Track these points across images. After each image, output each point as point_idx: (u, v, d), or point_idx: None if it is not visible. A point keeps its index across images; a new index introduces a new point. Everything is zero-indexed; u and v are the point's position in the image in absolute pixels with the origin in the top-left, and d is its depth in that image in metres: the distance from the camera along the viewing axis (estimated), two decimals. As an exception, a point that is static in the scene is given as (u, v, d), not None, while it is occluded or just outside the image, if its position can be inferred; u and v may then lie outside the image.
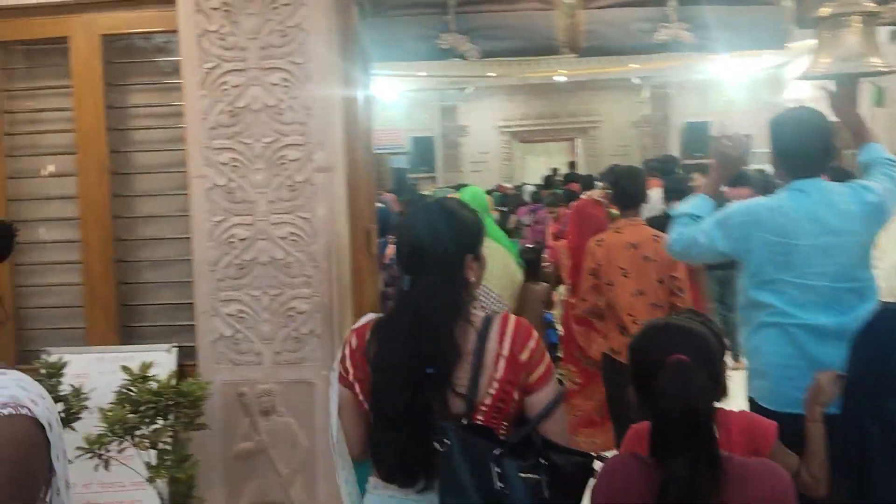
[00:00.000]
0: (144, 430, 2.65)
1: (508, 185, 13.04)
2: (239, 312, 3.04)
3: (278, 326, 3.03)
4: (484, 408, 1.74)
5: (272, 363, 3.04)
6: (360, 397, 1.86)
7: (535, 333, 1.82)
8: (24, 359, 3.23)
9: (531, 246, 6.04)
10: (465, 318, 1.78)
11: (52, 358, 3.00)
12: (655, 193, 6.03)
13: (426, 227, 1.83)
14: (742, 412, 2.15)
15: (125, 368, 2.68)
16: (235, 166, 3.01)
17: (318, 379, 3.00)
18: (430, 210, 1.89)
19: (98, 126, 3.27)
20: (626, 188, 3.95)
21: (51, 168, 3.40)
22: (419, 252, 1.82)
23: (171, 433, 2.68)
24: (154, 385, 2.61)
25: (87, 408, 2.82)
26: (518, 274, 4.16)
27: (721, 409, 1.83)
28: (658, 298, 3.69)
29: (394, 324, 1.81)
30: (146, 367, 2.69)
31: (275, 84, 2.99)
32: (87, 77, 3.26)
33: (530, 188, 12.04)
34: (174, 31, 3.08)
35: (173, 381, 2.73)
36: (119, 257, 3.32)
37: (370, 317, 1.92)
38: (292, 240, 3.02)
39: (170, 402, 2.58)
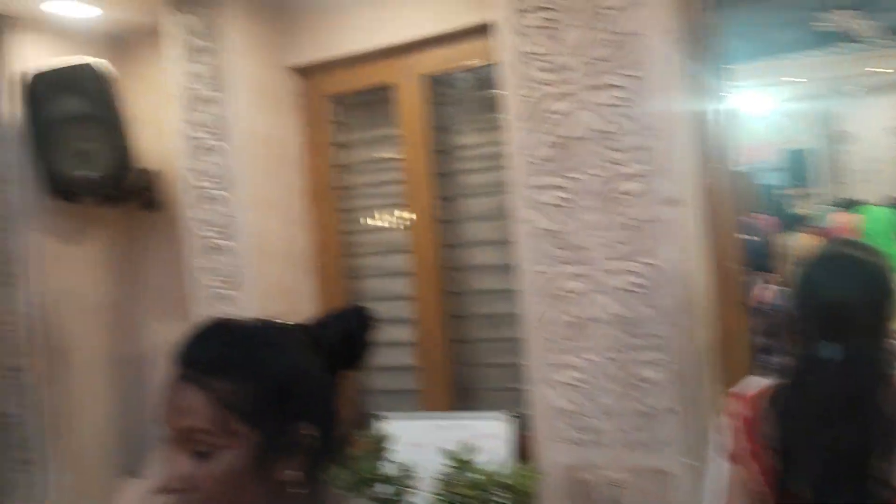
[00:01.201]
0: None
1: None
2: (574, 380, 2.54)
3: (623, 399, 2.47)
4: None
5: (617, 444, 2.48)
6: (759, 478, 1.63)
7: None
8: (359, 422, 3.09)
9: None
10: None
11: (382, 425, 2.81)
12: None
13: (845, 282, 1.61)
14: None
15: (446, 452, 2.33)
16: (562, 206, 2.54)
17: (676, 468, 2.37)
18: (842, 260, 1.67)
19: (426, 173, 3.06)
20: None
21: (383, 220, 3.28)
22: (842, 314, 1.58)
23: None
24: (476, 476, 2.21)
25: (414, 488, 2.54)
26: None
27: None
28: None
29: (811, 397, 1.56)
30: (468, 450, 2.31)
31: (605, 105, 2.47)
32: (412, 122, 3.07)
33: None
34: (492, 63, 2.74)
35: (501, 467, 2.32)
36: (452, 313, 3.06)
37: (756, 382, 1.71)
38: (635, 291, 2.46)
39: (494, 497, 2.17)
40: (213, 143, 3.16)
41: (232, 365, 1.00)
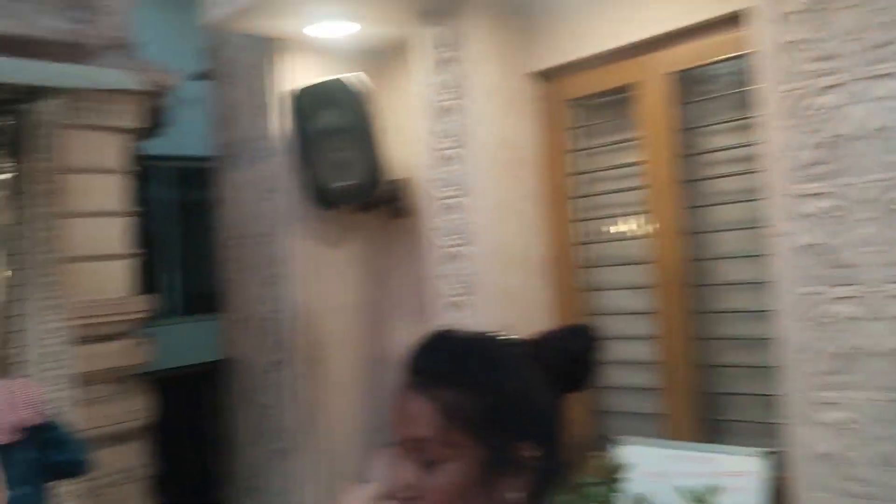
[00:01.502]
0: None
1: None
2: (842, 421, 2.17)
3: (903, 448, 2.06)
4: None
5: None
6: None
7: None
8: (591, 446, 2.92)
9: None
10: None
11: (618, 451, 2.63)
12: None
13: None
14: None
15: (687, 490, 2.10)
16: (830, 217, 2.18)
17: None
18: None
19: (670, 178, 2.82)
20: None
21: (623, 229, 3.08)
22: None
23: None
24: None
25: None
26: None
27: None
28: None
29: None
30: (712, 490, 2.06)
31: (885, 97, 2.08)
32: (655, 124, 2.85)
33: None
34: (747, 55, 2.44)
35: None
36: (697, 333, 2.79)
37: None
38: (923, 320, 2.04)
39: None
40: (453, 151, 3.18)
41: (459, 376, 1.00)
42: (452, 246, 3.20)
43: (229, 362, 4.23)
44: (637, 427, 2.92)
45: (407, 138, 3.69)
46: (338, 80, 3.59)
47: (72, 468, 2.59)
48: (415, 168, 3.61)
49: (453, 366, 1.01)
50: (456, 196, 3.18)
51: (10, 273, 3.30)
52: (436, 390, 0.99)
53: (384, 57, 3.90)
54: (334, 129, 3.62)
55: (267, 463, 3.96)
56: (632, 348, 2.98)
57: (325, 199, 3.80)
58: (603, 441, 2.80)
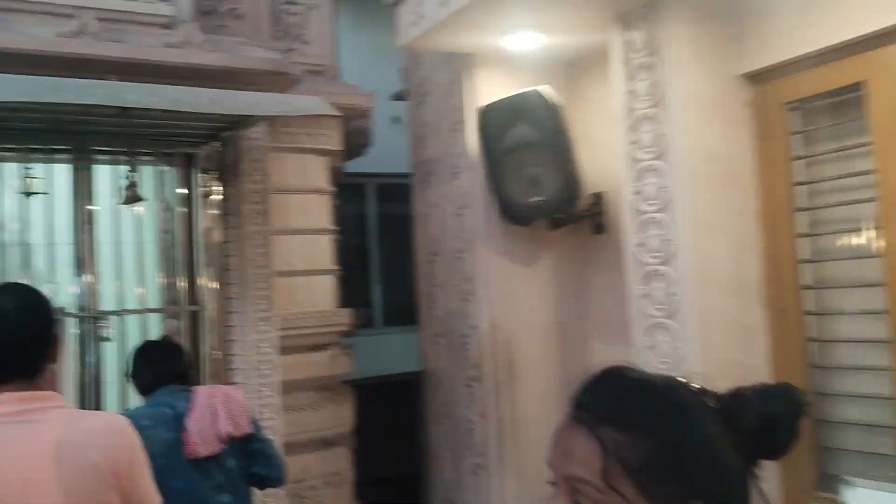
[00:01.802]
0: None
1: None
2: None
3: None
4: None
5: None
6: None
7: None
8: (824, 485, 2.61)
9: None
10: None
11: (844, 493, 2.31)
12: None
13: None
14: None
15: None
16: None
17: None
18: None
19: (909, 190, 2.46)
20: None
21: (853, 247, 2.73)
22: None
23: None
24: None
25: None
26: None
27: None
28: None
29: None
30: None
31: None
32: (891, 127, 2.50)
33: None
34: None
35: None
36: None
37: None
38: None
39: None
40: (652, 162, 2.99)
41: (626, 415, 0.91)
42: (653, 263, 3.01)
43: (427, 374, 4.29)
44: (866, 468, 2.57)
45: (601, 151, 3.54)
46: (527, 93, 3.52)
47: (268, 482, 2.69)
48: (611, 182, 3.46)
49: (620, 403, 0.93)
50: (656, 211, 2.98)
51: (225, 286, 3.53)
52: (600, 429, 0.90)
53: (575, 67, 3.78)
54: (525, 144, 3.55)
55: (464, 477, 3.95)
56: (865, 382, 2.63)
57: (517, 215, 3.74)
58: (829, 482, 2.49)
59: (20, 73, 2.76)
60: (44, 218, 3.23)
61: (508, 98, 3.57)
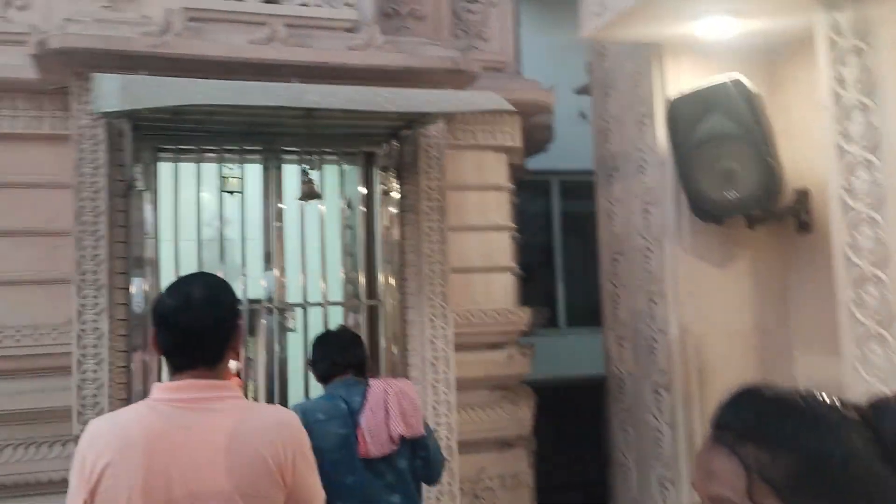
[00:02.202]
0: None
1: None
2: None
3: None
4: None
5: None
6: None
7: None
8: None
9: None
10: None
11: None
12: None
13: None
14: None
15: None
16: None
17: None
18: None
19: None
20: None
21: None
22: None
23: None
24: None
25: None
26: None
27: None
28: None
29: None
30: None
31: None
32: None
33: None
34: None
35: None
36: None
37: None
38: None
39: None
40: (864, 156, 2.64)
41: (764, 432, 0.90)
42: (866, 267, 2.65)
43: (611, 378, 4.10)
44: None
45: (804, 143, 3.19)
46: (721, 83, 3.24)
47: (430, 481, 2.64)
48: (816, 176, 3.11)
49: (759, 421, 0.92)
50: (868, 209, 2.63)
51: (402, 282, 3.57)
52: (739, 447, 0.90)
53: (772, 53, 3.44)
54: (720, 136, 3.28)
55: (651, 489, 3.73)
56: None
57: (709, 212, 3.46)
58: None
59: (214, 79, 2.93)
60: (238, 215, 3.42)
61: (701, 89, 3.32)
